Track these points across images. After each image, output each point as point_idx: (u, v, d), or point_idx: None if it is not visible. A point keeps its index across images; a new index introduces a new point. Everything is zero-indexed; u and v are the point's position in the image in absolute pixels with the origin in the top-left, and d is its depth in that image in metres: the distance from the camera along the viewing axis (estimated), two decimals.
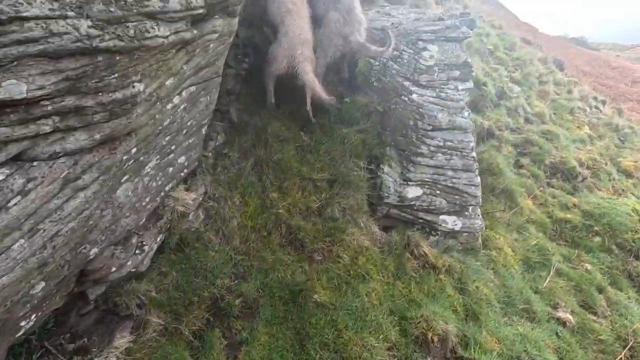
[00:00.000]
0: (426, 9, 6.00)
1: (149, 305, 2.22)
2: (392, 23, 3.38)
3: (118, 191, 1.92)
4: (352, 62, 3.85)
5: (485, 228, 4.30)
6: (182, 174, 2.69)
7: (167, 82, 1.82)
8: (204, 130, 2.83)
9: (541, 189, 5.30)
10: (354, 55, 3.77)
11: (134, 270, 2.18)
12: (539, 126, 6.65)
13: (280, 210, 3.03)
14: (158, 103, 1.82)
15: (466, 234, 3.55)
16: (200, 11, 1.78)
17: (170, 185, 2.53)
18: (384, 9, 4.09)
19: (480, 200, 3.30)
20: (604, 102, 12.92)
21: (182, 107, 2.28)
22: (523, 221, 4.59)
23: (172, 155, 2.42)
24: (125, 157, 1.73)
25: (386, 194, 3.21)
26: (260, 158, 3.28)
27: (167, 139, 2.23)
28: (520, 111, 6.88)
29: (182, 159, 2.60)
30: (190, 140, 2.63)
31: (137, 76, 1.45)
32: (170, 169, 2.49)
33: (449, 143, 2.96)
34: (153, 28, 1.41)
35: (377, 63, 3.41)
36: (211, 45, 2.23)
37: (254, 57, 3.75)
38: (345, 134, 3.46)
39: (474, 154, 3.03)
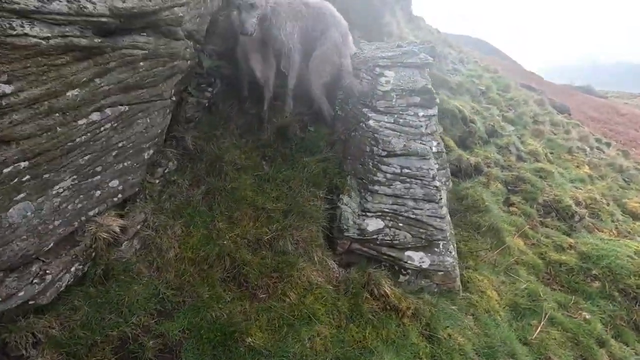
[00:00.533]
0: None
1: (45, 345, 1.94)
2: (355, 53, 3.34)
3: (10, 210, 1.74)
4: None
5: (468, 268, 3.94)
6: (116, 199, 2.52)
7: (69, 94, 1.71)
8: (146, 155, 2.70)
9: (533, 228, 4.92)
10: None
11: (31, 302, 1.94)
12: (532, 164, 6.39)
13: (226, 242, 2.79)
14: (57, 115, 1.70)
15: (441, 273, 3.21)
16: (105, 20, 1.71)
17: (97, 210, 2.36)
18: (366, 42, 4.12)
19: (449, 234, 3.00)
20: (608, 145, 12.69)
21: (107, 125, 2.16)
22: (512, 262, 4.19)
23: (98, 177, 2.27)
24: (8, 170, 1.57)
25: (345, 227, 2.95)
26: (214, 186, 3.11)
27: (86, 158, 2.09)
28: (512, 149, 6.68)
29: (114, 183, 2.44)
30: (125, 164, 2.50)
31: (4, 76, 1.34)
32: (97, 192, 2.32)
33: (406, 170, 2.74)
34: (22, 26, 1.31)
35: (341, 92, 3.32)
36: (141, 63, 2.16)
37: (221, 86, 3.74)
38: (307, 162, 3.30)
39: (436, 182, 2.79)
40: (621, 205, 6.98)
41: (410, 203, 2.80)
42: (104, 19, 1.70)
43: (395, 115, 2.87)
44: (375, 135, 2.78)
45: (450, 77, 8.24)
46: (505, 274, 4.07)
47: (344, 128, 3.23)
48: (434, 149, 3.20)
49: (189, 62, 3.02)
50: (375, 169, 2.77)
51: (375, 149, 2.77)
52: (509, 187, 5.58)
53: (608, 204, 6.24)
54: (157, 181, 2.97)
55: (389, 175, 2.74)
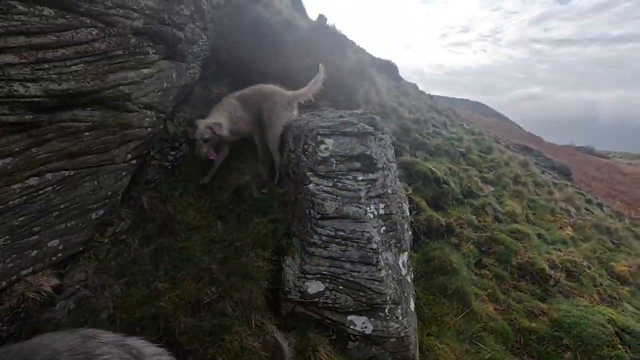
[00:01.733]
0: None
1: None
2: (307, 122, 3.61)
3: None
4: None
5: (430, 335, 3.80)
6: (55, 259, 2.61)
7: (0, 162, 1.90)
8: (94, 215, 2.84)
9: (505, 292, 4.79)
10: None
11: None
12: (508, 225, 6.39)
13: (164, 303, 2.79)
14: None
15: (393, 340, 3.10)
16: (39, 100, 1.96)
17: (31, 269, 2.43)
18: (319, 112, 4.43)
19: (397, 298, 2.96)
20: (601, 205, 12.63)
21: (47, 189, 2.33)
22: (478, 329, 4.03)
23: (35, 237, 2.38)
24: None
25: (287, 289, 2.95)
26: (163, 246, 3.19)
27: (20, 219, 2.22)
28: (488, 210, 6.72)
29: (54, 243, 2.55)
30: (69, 224, 2.62)
31: None
32: (34, 252, 2.42)
33: (340, 233, 2.81)
34: None
35: (294, 156, 3.54)
36: (85, 133, 2.40)
37: (187, 149, 4.00)
38: (257, 223, 3.39)
39: (373, 245, 2.84)
40: (608, 268, 6.80)
41: (348, 265, 2.82)
42: (37, 99, 1.96)
43: (335, 180, 3.02)
44: (313, 198, 2.90)
45: (430, 139, 8.60)
46: (470, 342, 3.89)
47: (293, 190, 3.38)
48: (382, 211, 3.29)
49: (148, 129, 3.30)
50: (312, 231, 2.85)
51: (312, 211, 2.88)
52: (482, 249, 5.53)
53: (590, 267, 6.08)
54: (107, 240, 3.08)
55: (324, 238, 2.81)
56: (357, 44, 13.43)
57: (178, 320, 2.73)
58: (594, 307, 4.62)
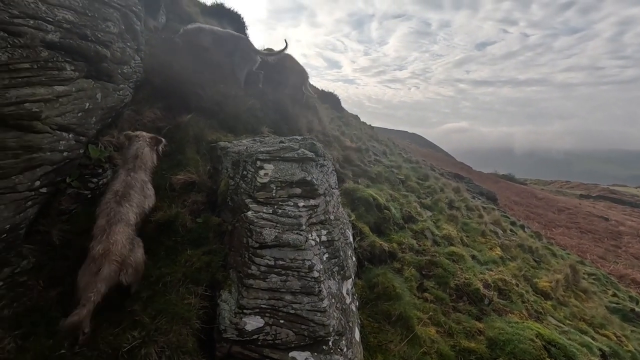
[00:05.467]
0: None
1: None
2: (246, 147, 3.49)
3: None
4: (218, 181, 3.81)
5: None
6: None
7: None
8: None
9: (446, 314, 4.91)
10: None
11: None
12: (445, 248, 6.69)
13: (69, 355, 2.37)
14: None
15: None
16: None
17: None
18: (260, 138, 4.33)
19: (333, 330, 2.83)
20: (523, 227, 13.89)
21: None
22: (421, 353, 4.02)
23: None
24: None
25: (222, 327, 2.68)
26: None
27: None
28: (427, 234, 7.01)
29: None
30: None
31: None
32: None
33: (280, 262, 2.67)
34: None
35: (232, 183, 3.36)
36: None
37: (112, 175, 3.62)
38: (190, 256, 3.11)
39: (314, 274, 2.73)
40: (532, 285, 7.37)
41: (288, 297, 2.66)
42: None
43: (275, 206, 2.91)
44: (251, 226, 2.74)
45: (371, 167, 8.90)
46: None
47: (231, 218, 3.18)
48: (324, 238, 3.22)
49: (64, 154, 2.94)
50: (250, 262, 2.67)
51: (250, 240, 2.71)
52: (423, 272, 5.68)
53: (518, 285, 6.53)
54: (1, 283, 2.58)
55: (262, 268, 2.64)
56: None
57: None
58: (523, 322, 4.90)
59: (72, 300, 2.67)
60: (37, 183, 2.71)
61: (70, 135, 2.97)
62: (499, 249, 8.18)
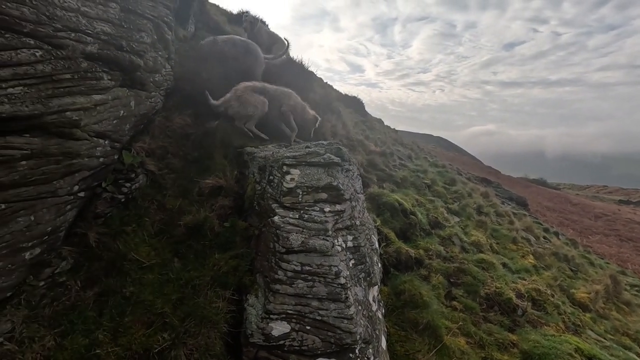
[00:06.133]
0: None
1: None
2: (272, 153, 3.52)
3: None
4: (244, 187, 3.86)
5: None
6: None
7: None
8: (27, 255, 2.50)
9: (476, 324, 4.72)
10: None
11: None
12: (474, 255, 6.47)
13: (104, 355, 2.44)
14: None
15: None
16: None
17: None
18: (285, 143, 4.36)
19: (360, 337, 2.78)
20: (557, 233, 13.24)
21: None
22: None
23: None
24: None
25: (250, 332, 2.70)
26: (110, 288, 2.86)
27: None
28: (455, 240, 6.80)
29: None
30: None
31: None
32: None
33: (307, 267, 2.65)
34: None
35: (259, 188, 3.39)
36: (22, 162, 2.15)
37: (143, 181, 3.74)
38: (217, 259, 3.16)
39: (341, 280, 2.69)
40: (569, 296, 6.99)
41: (315, 303, 2.64)
42: None
43: (301, 211, 2.90)
44: (277, 231, 2.75)
45: (396, 171, 8.77)
46: None
47: (258, 223, 3.21)
48: (350, 244, 3.18)
49: (101, 159, 3.06)
50: (276, 267, 2.67)
51: (276, 245, 2.72)
52: (451, 280, 5.51)
53: (553, 295, 6.21)
54: (42, 283, 2.71)
55: (289, 273, 2.63)
56: (324, 81, 13.89)
57: None
58: (560, 336, 4.64)
59: (108, 302, 2.77)
60: (76, 187, 2.83)
61: (106, 142, 3.09)
62: (531, 256, 7.82)
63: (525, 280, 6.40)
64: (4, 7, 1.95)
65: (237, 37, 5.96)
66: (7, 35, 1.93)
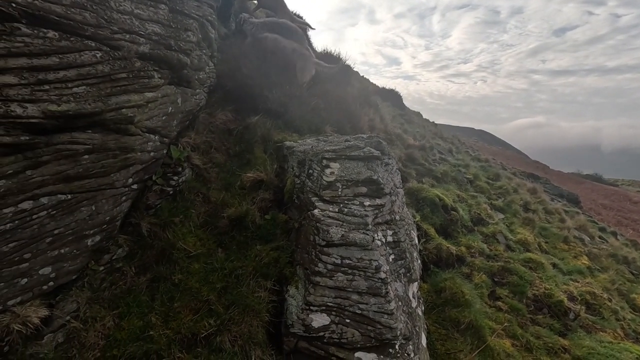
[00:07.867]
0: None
1: None
2: (311, 147, 3.54)
3: None
4: (283, 182, 3.93)
5: None
6: (46, 287, 2.46)
7: None
8: (89, 241, 2.72)
9: (523, 326, 4.49)
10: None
11: None
12: (521, 254, 6.14)
13: (157, 337, 2.61)
14: None
15: None
16: (36, 121, 1.91)
17: (20, 298, 2.29)
18: (324, 137, 4.38)
19: (400, 333, 2.74)
20: (615, 233, 12.23)
21: (41, 213, 2.24)
22: None
23: (25, 265, 2.26)
24: None
25: (290, 322, 2.76)
26: (160, 275, 3.04)
27: (11, 245, 2.11)
28: (499, 238, 6.49)
29: (45, 270, 2.42)
30: (62, 250, 2.50)
31: None
32: (24, 280, 2.29)
33: (347, 261, 2.65)
34: None
35: (298, 181, 3.44)
36: (85, 156, 2.34)
37: (190, 175, 3.93)
38: (259, 251, 3.25)
39: (381, 274, 2.67)
40: (629, 301, 6.45)
41: (355, 297, 2.64)
42: (35, 121, 1.91)
43: (341, 205, 2.90)
44: (317, 224, 2.77)
45: (436, 166, 8.51)
46: None
47: (297, 216, 3.25)
48: (390, 239, 3.15)
49: (151, 154, 3.25)
50: (317, 259, 2.70)
51: (317, 238, 2.74)
52: (495, 279, 5.27)
53: (610, 300, 5.75)
54: (102, 268, 2.94)
55: (329, 266, 2.65)
56: (360, 74, 13.73)
57: (172, 357, 2.54)
58: (619, 343, 4.30)
59: (159, 287, 2.96)
60: (130, 180, 3.02)
61: (156, 137, 3.27)
62: (585, 257, 7.29)
63: (578, 282, 5.98)
64: (69, 12, 2.11)
65: (275, 36, 6.03)
66: (72, 39, 2.09)
